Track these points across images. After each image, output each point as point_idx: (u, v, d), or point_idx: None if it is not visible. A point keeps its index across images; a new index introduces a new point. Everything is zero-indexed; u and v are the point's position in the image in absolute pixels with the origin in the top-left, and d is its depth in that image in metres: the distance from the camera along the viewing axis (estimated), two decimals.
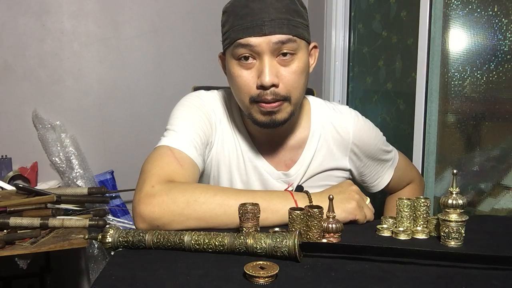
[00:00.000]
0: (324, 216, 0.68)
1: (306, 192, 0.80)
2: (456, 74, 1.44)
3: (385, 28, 1.85)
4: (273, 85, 0.81)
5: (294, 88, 0.83)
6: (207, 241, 0.63)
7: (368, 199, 0.85)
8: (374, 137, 1.00)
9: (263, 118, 0.84)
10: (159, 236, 0.65)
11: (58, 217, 1.37)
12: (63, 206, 1.46)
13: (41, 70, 2.01)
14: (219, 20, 0.89)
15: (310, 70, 0.89)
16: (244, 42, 0.80)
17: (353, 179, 1.03)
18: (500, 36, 1.28)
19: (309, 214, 0.66)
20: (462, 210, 0.67)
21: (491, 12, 1.31)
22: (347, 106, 1.02)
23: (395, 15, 1.77)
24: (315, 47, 0.91)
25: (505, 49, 1.27)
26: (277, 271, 0.54)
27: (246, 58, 0.82)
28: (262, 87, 0.81)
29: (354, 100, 2.11)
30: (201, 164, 0.88)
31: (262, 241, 0.61)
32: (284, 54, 0.81)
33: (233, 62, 0.84)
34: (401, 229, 0.74)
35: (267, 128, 0.86)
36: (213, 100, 0.96)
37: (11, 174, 1.93)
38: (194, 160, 0.84)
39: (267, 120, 0.84)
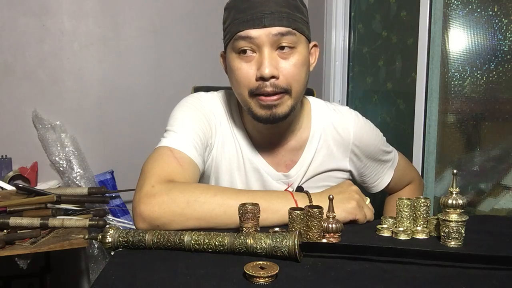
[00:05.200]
0: (324, 216, 0.68)
1: (306, 192, 0.80)
2: (456, 74, 1.44)
3: (385, 28, 1.85)
4: (273, 77, 0.80)
5: (295, 80, 0.83)
6: (207, 241, 0.63)
7: (368, 199, 0.85)
8: (375, 138, 1.00)
9: (263, 112, 0.84)
10: (159, 236, 0.65)
11: (58, 217, 1.37)
12: (63, 206, 1.46)
13: (41, 70, 2.01)
14: (219, 20, 0.89)
15: (311, 69, 0.89)
16: (244, 34, 0.80)
17: (353, 179, 1.03)
18: (500, 36, 1.28)
19: (309, 214, 0.66)
20: (462, 210, 0.67)
21: (491, 12, 1.31)
22: (348, 107, 1.02)
23: (395, 15, 1.77)
24: (315, 46, 0.91)
25: (505, 49, 1.27)
26: (277, 271, 0.54)
27: (246, 51, 0.82)
28: (261, 78, 0.80)
29: (354, 100, 2.11)
30: (201, 164, 0.87)
31: (262, 241, 0.61)
32: (284, 47, 0.81)
33: (233, 55, 0.84)
34: (401, 229, 0.74)
35: (267, 124, 0.85)
36: (213, 102, 0.96)
37: (11, 174, 1.93)
38: (194, 160, 0.84)
39: (267, 114, 0.83)
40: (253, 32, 0.80)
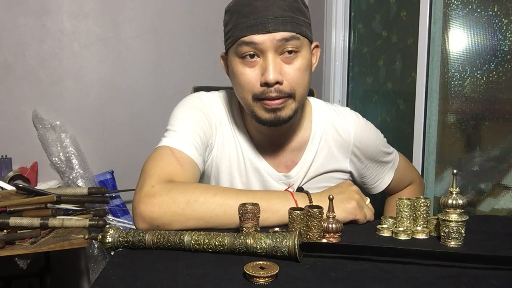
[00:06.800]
0: (324, 216, 0.68)
1: (306, 192, 0.80)
2: (456, 74, 1.44)
3: (385, 28, 1.85)
4: (277, 83, 0.80)
5: (299, 85, 0.83)
6: (207, 241, 0.63)
7: (368, 199, 0.86)
8: (375, 139, 1.00)
9: (267, 116, 0.84)
10: (159, 236, 0.65)
11: (58, 217, 1.37)
12: (63, 206, 1.46)
13: (41, 70, 2.01)
14: (219, 20, 0.89)
15: (312, 69, 0.89)
16: (248, 40, 0.80)
17: (353, 180, 1.03)
18: (500, 36, 1.28)
19: (309, 214, 0.66)
20: (462, 210, 0.67)
21: (491, 12, 1.31)
22: (348, 108, 1.01)
23: (395, 15, 1.77)
24: (317, 46, 0.91)
25: (505, 49, 1.27)
26: (277, 271, 0.54)
27: (251, 56, 0.81)
28: (266, 84, 0.80)
29: (354, 100, 2.11)
30: (202, 164, 0.87)
31: (262, 241, 0.61)
32: (288, 52, 0.81)
33: (236, 60, 0.84)
34: (401, 229, 0.74)
35: (271, 126, 0.86)
36: (214, 101, 0.96)
37: (11, 174, 1.93)
38: (194, 160, 0.84)
39: (271, 117, 0.83)
40: (257, 38, 0.79)
